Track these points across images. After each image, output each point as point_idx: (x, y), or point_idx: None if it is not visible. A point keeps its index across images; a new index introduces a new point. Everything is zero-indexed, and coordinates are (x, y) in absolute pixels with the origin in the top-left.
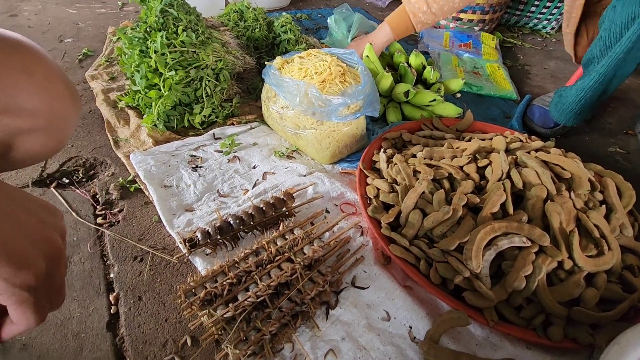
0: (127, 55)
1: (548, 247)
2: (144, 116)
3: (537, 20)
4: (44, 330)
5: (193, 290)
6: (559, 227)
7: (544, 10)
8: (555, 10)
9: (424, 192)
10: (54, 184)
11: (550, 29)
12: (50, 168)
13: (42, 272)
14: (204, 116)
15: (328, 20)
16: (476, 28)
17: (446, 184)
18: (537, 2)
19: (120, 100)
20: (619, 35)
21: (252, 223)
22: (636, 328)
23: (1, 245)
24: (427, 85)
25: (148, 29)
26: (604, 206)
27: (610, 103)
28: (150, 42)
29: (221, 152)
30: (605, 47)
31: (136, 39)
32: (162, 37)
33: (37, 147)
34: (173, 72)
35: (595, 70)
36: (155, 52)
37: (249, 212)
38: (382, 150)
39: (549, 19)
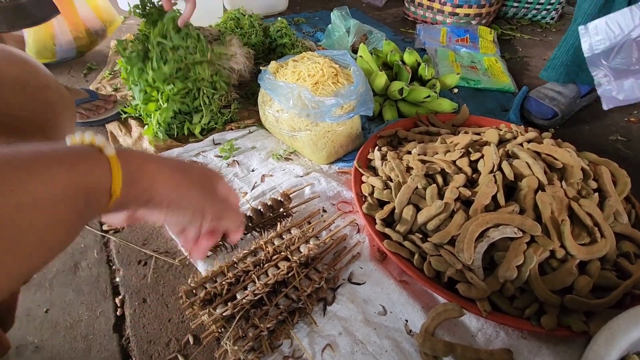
0: (127, 70)
1: (539, 237)
2: (146, 126)
3: (535, 11)
4: (54, 334)
5: (194, 291)
6: (550, 217)
7: (542, 0)
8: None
9: (417, 188)
10: None
11: (550, 19)
12: None
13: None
14: (204, 124)
15: (331, 15)
16: (473, 22)
17: (439, 179)
18: None
19: (124, 113)
20: None
21: (250, 225)
22: (628, 313)
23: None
24: (423, 82)
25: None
26: (597, 194)
27: None
28: (148, 60)
29: (221, 157)
30: None
31: (134, 55)
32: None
33: None
34: (171, 86)
35: (574, 21)
36: (153, 69)
37: (248, 214)
38: (376, 148)
39: (547, 9)
